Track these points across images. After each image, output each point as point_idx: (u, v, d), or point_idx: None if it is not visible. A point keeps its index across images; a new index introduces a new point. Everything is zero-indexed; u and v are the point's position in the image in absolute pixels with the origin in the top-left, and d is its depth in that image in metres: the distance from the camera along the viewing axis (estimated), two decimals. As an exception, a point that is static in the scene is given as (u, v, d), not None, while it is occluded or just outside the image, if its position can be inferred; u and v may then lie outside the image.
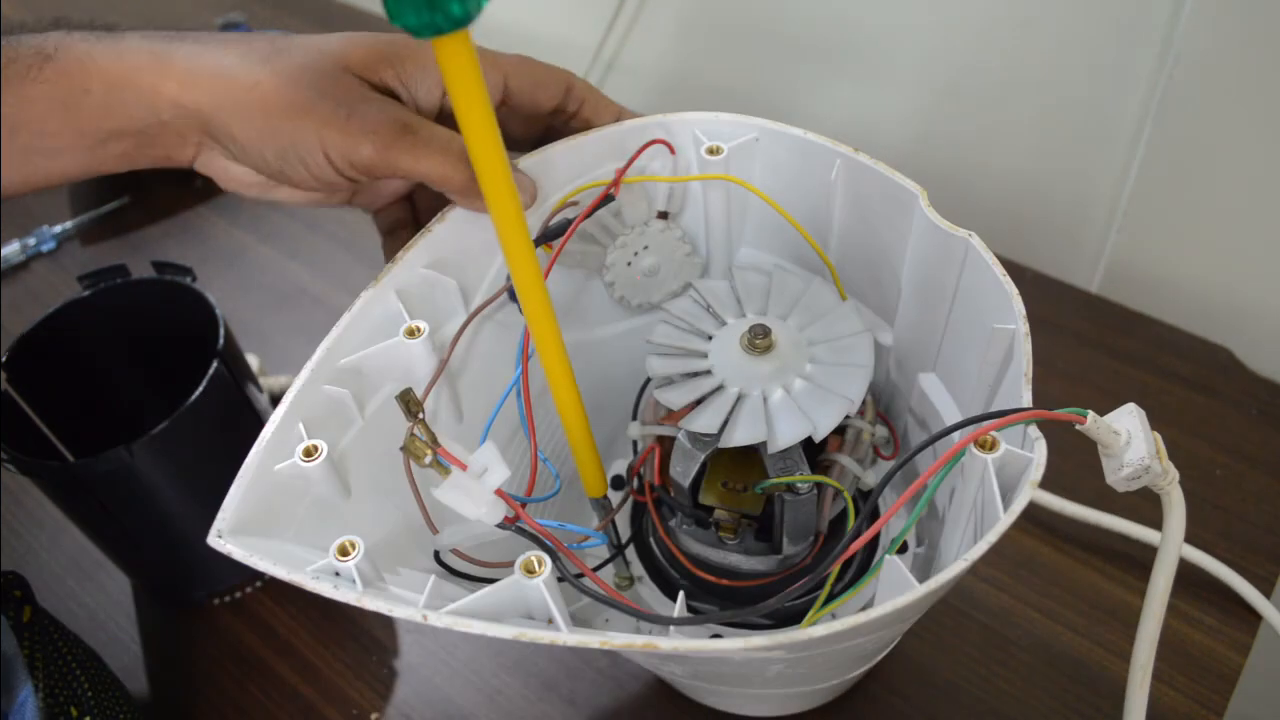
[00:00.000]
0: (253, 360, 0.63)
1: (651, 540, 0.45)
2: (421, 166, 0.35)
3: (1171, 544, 0.33)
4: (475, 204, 0.37)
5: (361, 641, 0.51)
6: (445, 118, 0.38)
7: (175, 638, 0.52)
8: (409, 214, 0.43)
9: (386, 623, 0.51)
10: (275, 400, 0.34)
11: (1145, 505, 0.51)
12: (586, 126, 0.41)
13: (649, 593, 0.44)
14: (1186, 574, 0.48)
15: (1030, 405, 0.30)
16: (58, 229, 0.77)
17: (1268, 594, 0.48)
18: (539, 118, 0.41)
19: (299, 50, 0.36)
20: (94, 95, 0.35)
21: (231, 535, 0.31)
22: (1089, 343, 0.60)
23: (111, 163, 0.37)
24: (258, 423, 0.33)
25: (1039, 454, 0.29)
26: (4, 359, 0.49)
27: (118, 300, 0.53)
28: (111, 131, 0.36)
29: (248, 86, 0.35)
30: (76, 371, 0.53)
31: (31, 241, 0.76)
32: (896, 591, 0.28)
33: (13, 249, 0.76)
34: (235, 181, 0.39)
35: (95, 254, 0.77)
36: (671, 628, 0.33)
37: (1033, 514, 0.52)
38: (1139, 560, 0.50)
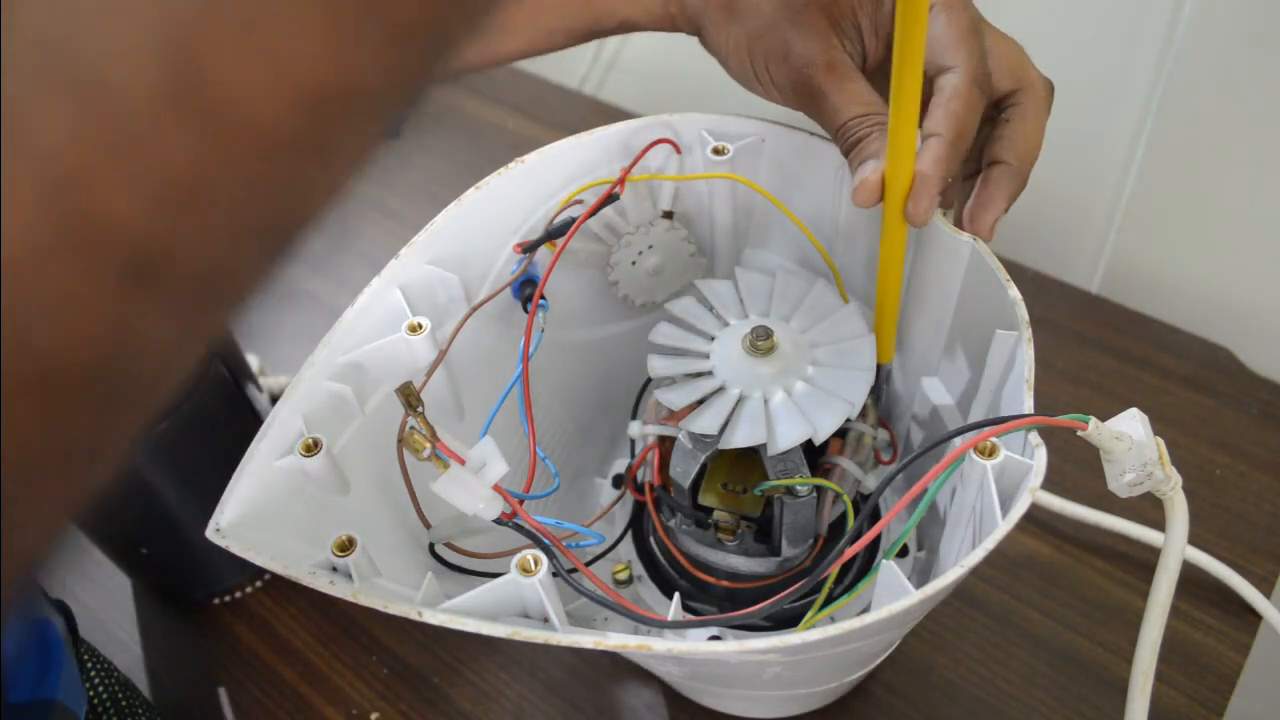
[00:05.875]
0: (253, 360, 0.63)
1: (651, 540, 0.45)
2: (819, 122, 0.37)
3: (1174, 550, 0.33)
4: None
5: (361, 641, 0.51)
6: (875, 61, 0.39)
7: (175, 638, 0.52)
8: None
9: (387, 622, 0.51)
10: (275, 400, 0.34)
11: (1146, 505, 0.51)
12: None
13: (648, 592, 0.44)
14: (1187, 574, 0.48)
15: (1031, 411, 0.30)
16: (57, 227, 0.77)
17: (1268, 594, 0.48)
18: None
19: None
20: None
21: (230, 529, 0.31)
22: (1089, 343, 0.60)
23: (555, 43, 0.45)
24: (257, 423, 0.33)
25: (1039, 461, 0.29)
26: (4, 358, 0.49)
27: (118, 299, 0.53)
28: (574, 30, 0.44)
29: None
30: (76, 371, 0.53)
31: (31, 240, 0.76)
32: (893, 596, 0.28)
33: (12, 247, 0.76)
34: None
35: (95, 252, 0.76)
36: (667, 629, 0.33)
37: (1033, 514, 0.52)
38: (1139, 560, 0.50)
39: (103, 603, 0.54)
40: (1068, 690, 0.46)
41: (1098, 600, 0.48)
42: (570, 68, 0.88)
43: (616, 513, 0.47)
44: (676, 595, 0.35)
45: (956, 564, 0.27)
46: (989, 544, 0.27)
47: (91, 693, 0.42)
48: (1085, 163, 0.66)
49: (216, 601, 0.53)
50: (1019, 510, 0.28)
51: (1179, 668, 0.46)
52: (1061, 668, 0.46)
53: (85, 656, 0.43)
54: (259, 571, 0.54)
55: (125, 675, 0.45)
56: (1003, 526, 0.27)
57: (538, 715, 0.47)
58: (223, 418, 0.48)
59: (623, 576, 0.44)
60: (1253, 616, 0.47)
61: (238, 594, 0.53)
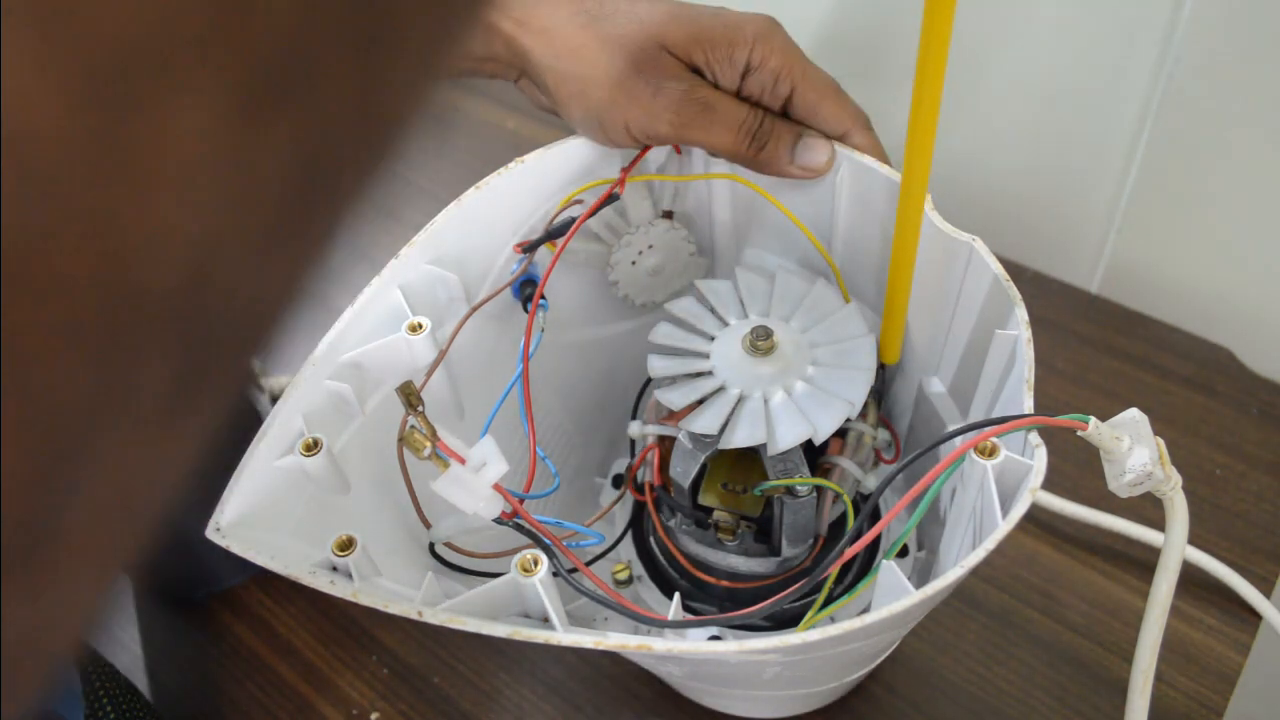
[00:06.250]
0: (253, 360, 0.63)
1: (651, 540, 0.45)
2: (712, 140, 0.38)
3: (1174, 550, 0.33)
4: (749, 166, 0.39)
5: (361, 641, 0.51)
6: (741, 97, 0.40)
7: (175, 637, 0.52)
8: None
9: (387, 622, 0.51)
10: (275, 400, 0.34)
11: (1146, 505, 0.50)
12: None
13: (648, 593, 0.44)
14: (1187, 574, 0.48)
15: (1032, 411, 0.30)
16: (57, 227, 0.77)
17: (1268, 594, 0.48)
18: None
19: (622, 19, 0.38)
20: None
21: (230, 529, 0.31)
22: (1089, 343, 0.60)
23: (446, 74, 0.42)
24: (257, 422, 0.33)
25: (1039, 461, 0.29)
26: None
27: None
28: None
29: (571, 49, 0.37)
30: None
31: (31, 240, 0.76)
32: (893, 596, 0.28)
33: (12, 247, 0.76)
34: (543, 109, 0.42)
35: (95, 252, 0.76)
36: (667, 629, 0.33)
37: (1034, 514, 0.52)
38: (1139, 560, 0.50)
39: (103, 602, 0.54)
40: (1068, 690, 0.46)
41: (1098, 600, 0.48)
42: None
43: (616, 513, 0.47)
44: (676, 595, 0.35)
45: (956, 564, 0.27)
46: (989, 544, 0.27)
47: (94, 697, 0.42)
48: (1085, 163, 0.66)
49: (216, 601, 0.53)
50: (1019, 510, 0.28)
51: (1179, 668, 0.46)
52: (1061, 668, 0.46)
53: (87, 661, 0.43)
54: (259, 571, 0.53)
55: (128, 679, 0.45)
56: (1003, 526, 0.28)
57: (538, 715, 0.47)
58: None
59: (623, 576, 0.44)
60: (1253, 616, 0.47)
61: (238, 593, 0.53)
